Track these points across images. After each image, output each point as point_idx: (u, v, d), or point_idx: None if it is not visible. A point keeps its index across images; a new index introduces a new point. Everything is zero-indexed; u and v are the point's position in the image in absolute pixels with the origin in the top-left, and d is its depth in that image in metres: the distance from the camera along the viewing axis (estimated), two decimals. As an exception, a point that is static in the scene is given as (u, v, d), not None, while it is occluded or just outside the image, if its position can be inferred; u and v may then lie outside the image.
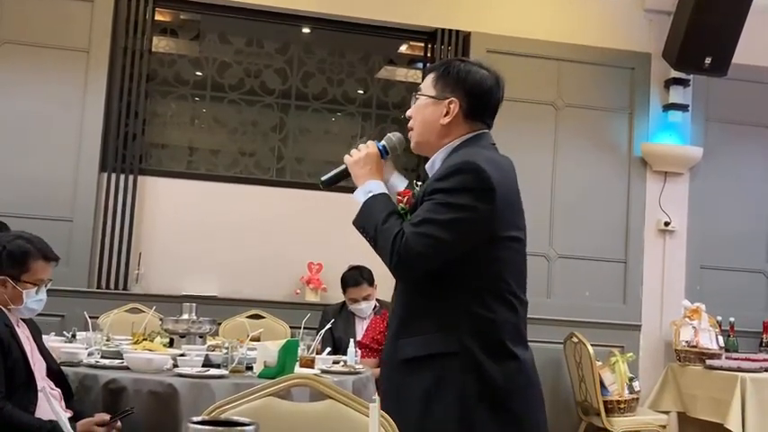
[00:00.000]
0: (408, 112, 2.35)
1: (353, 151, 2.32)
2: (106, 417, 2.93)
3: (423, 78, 2.41)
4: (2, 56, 5.31)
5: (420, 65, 6.12)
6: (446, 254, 2.10)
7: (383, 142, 2.35)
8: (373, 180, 2.25)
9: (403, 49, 6.19)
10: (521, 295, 2.20)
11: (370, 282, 4.92)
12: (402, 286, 2.26)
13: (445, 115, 2.25)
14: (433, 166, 2.29)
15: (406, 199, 2.26)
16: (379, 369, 4.47)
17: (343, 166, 2.33)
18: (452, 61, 2.34)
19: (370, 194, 2.22)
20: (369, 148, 2.31)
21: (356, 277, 4.92)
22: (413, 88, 6.07)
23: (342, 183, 2.39)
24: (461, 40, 5.85)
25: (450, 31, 5.87)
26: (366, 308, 4.90)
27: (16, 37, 5.34)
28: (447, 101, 2.25)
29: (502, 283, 2.14)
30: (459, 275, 2.12)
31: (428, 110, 2.28)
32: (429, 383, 2.11)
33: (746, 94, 6.20)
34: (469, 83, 2.27)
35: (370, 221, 2.18)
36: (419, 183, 2.35)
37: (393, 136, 2.36)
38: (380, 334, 4.59)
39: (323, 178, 2.37)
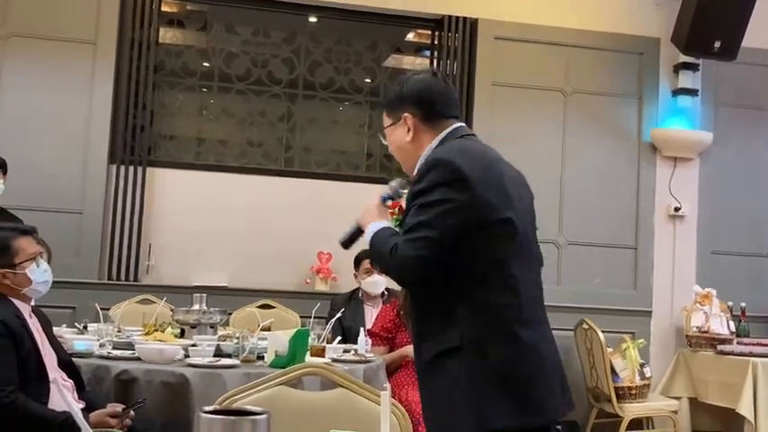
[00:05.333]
0: (389, 150, 2.42)
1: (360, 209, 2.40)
2: (119, 408, 2.95)
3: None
4: (10, 49, 5.32)
5: (427, 52, 6.09)
6: (441, 250, 2.09)
7: (385, 192, 2.42)
8: (375, 222, 2.31)
9: (410, 36, 6.17)
10: (525, 276, 2.14)
11: None
12: (411, 292, 2.27)
13: (408, 131, 2.31)
14: None
15: (397, 209, 2.33)
16: (388, 355, 4.52)
17: (354, 225, 2.40)
18: (387, 88, 2.39)
19: (372, 232, 2.28)
20: (371, 201, 2.39)
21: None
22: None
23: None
24: (469, 27, 5.82)
25: (458, 18, 5.84)
26: (379, 281, 4.85)
27: (24, 30, 5.34)
28: (402, 119, 2.31)
29: (498, 269, 2.11)
30: (453, 269, 2.10)
31: (394, 136, 2.35)
32: (444, 382, 2.10)
33: (756, 77, 6.16)
34: (407, 92, 2.33)
35: (376, 254, 2.26)
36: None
37: (393, 182, 2.42)
38: (390, 322, 4.58)
39: (340, 240, 2.45)
